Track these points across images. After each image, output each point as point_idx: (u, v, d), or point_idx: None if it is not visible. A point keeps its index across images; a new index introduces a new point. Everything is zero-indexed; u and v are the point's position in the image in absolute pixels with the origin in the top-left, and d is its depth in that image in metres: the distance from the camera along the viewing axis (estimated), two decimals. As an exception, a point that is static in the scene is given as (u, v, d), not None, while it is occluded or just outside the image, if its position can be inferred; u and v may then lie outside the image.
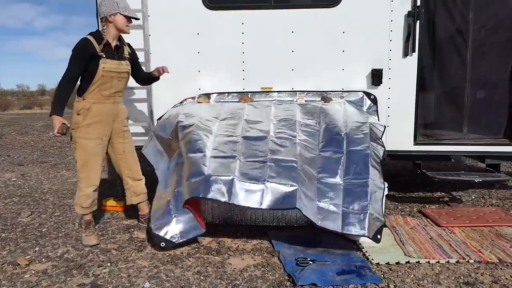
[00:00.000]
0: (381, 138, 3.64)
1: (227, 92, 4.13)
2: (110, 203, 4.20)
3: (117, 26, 3.17)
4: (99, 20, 3.28)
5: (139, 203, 3.56)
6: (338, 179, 3.27)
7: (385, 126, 3.75)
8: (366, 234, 2.99)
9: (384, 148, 3.60)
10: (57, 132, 3.07)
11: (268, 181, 3.02)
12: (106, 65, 3.12)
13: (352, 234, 3.03)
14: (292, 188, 2.99)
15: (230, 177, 3.04)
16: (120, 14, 3.15)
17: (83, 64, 3.07)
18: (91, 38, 3.10)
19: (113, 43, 3.21)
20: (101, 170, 3.33)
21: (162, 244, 3.09)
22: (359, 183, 3.24)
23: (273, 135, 3.47)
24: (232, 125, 3.64)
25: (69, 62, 3.08)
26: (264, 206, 2.96)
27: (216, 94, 4.13)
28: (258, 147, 3.36)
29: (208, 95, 4.12)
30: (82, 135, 3.18)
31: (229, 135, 3.52)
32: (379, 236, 3.04)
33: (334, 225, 3.01)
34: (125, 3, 3.22)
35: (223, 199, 2.98)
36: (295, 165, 3.17)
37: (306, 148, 3.43)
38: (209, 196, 2.99)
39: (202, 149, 3.32)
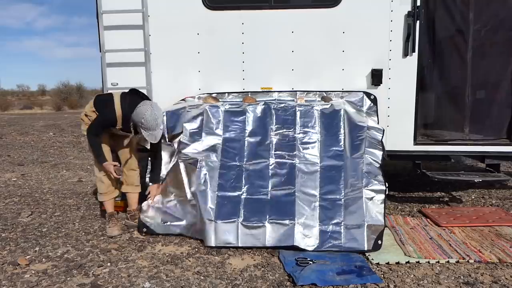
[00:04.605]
0: (381, 141, 3.62)
1: (227, 92, 4.14)
2: (110, 203, 4.20)
3: None
4: None
5: (128, 193, 3.70)
6: (338, 195, 3.32)
7: (383, 130, 3.73)
8: (365, 249, 3.05)
9: (384, 150, 3.59)
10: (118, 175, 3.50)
11: (268, 221, 3.20)
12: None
13: (353, 251, 3.06)
14: (290, 225, 3.16)
15: (235, 222, 3.22)
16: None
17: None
18: None
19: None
20: (110, 156, 3.51)
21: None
22: (355, 195, 3.30)
23: (273, 160, 3.54)
24: (234, 148, 3.63)
25: None
26: (267, 244, 3.15)
27: (215, 94, 4.13)
28: (259, 179, 3.46)
29: (216, 96, 4.10)
30: (85, 129, 3.46)
31: (232, 163, 3.55)
32: (379, 242, 3.08)
33: (335, 245, 3.10)
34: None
35: (232, 244, 3.18)
36: (293, 197, 3.30)
37: (306, 166, 3.49)
38: (221, 244, 3.19)
39: (206, 183, 3.43)
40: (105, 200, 3.58)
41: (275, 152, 3.59)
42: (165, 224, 3.49)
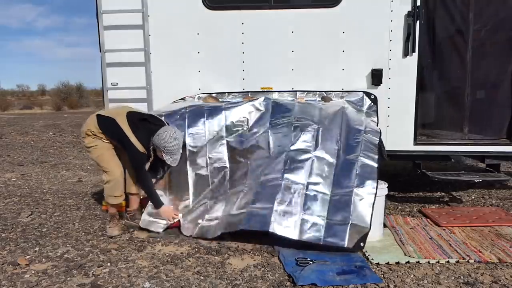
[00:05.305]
0: (378, 144, 3.58)
1: (227, 92, 4.14)
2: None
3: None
4: None
5: (132, 194, 3.68)
6: (327, 190, 3.31)
7: (381, 131, 3.72)
8: (345, 246, 3.02)
9: (383, 152, 3.58)
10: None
11: (249, 206, 3.25)
12: None
13: (332, 246, 3.04)
14: (266, 211, 3.16)
15: (220, 214, 3.43)
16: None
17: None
18: None
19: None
20: (118, 160, 3.49)
21: None
22: (344, 193, 3.27)
23: (272, 154, 3.54)
24: (237, 142, 3.67)
25: None
26: (240, 227, 3.16)
27: (215, 94, 4.13)
28: (256, 168, 3.49)
29: (216, 96, 4.10)
30: (89, 141, 3.44)
31: (237, 158, 3.63)
32: (362, 244, 3.04)
33: (315, 237, 3.07)
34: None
35: (212, 236, 3.31)
36: (277, 182, 3.30)
37: (299, 154, 3.47)
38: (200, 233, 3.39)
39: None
40: (118, 202, 3.54)
41: (272, 139, 3.60)
42: (150, 219, 3.55)
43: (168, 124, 3.54)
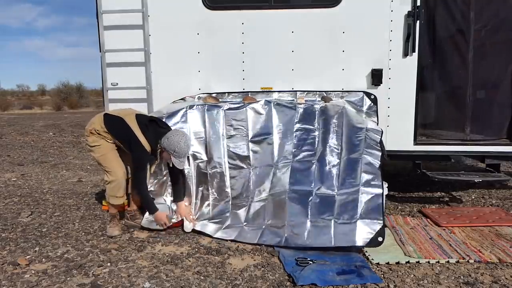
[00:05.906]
0: (379, 143, 3.59)
1: (227, 92, 4.14)
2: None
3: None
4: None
5: (134, 194, 3.67)
6: (332, 191, 3.33)
7: (382, 131, 3.73)
8: (356, 244, 3.02)
9: (383, 151, 3.58)
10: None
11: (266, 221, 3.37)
12: None
13: (343, 246, 3.04)
14: (281, 228, 3.25)
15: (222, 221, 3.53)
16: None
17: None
18: None
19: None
20: (120, 161, 3.47)
21: None
22: (351, 192, 3.29)
23: (275, 162, 3.61)
24: (238, 146, 3.70)
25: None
26: (260, 241, 3.24)
27: (215, 94, 4.13)
28: (261, 177, 3.58)
29: (216, 95, 4.11)
30: (93, 140, 3.43)
31: (239, 166, 3.67)
32: (380, 239, 3.04)
33: (326, 241, 3.08)
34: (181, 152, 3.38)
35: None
36: (284, 202, 3.35)
37: (302, 163, 3.54)
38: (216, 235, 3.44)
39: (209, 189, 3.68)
40: (120, 203, 3.52)
41: (274, 146, 3.66)
42: (148, 219, 3.58)
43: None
